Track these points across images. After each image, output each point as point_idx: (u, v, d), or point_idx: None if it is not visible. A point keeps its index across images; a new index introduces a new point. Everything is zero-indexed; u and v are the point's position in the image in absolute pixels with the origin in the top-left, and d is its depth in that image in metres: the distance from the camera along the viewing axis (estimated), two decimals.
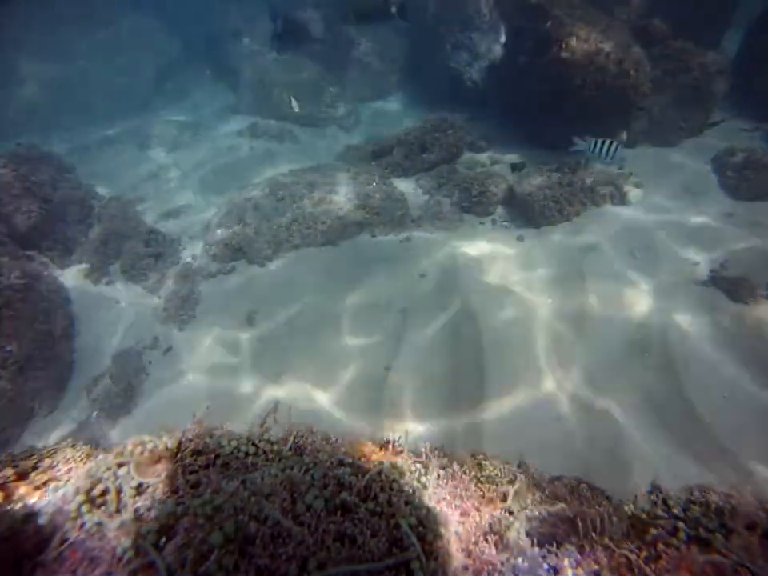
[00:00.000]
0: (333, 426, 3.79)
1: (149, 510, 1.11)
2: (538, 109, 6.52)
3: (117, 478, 1.18)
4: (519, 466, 1.89)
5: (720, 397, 3.74)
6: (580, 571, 1.22)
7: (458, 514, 1.37)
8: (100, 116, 9.95)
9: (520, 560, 1.23)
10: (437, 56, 8.48)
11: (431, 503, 1.10)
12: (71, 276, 5.56)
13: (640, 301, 4.58)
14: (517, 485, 1.53)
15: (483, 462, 1.65)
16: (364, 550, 0.95)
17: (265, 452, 1.32)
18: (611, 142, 4.82)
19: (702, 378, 3.88)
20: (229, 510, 0.99)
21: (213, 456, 1.27)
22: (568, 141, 5.21)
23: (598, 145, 4.86)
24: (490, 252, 5.32)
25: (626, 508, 1.34)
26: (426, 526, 1.02)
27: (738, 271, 4.55)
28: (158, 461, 1.23)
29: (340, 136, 8.53)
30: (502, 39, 7.77)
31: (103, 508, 1.15)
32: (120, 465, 1.21)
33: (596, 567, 1.21)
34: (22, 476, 1.32)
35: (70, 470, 1.39)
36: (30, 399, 4.30)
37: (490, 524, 1.34)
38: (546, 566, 1.25)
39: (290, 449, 1.35)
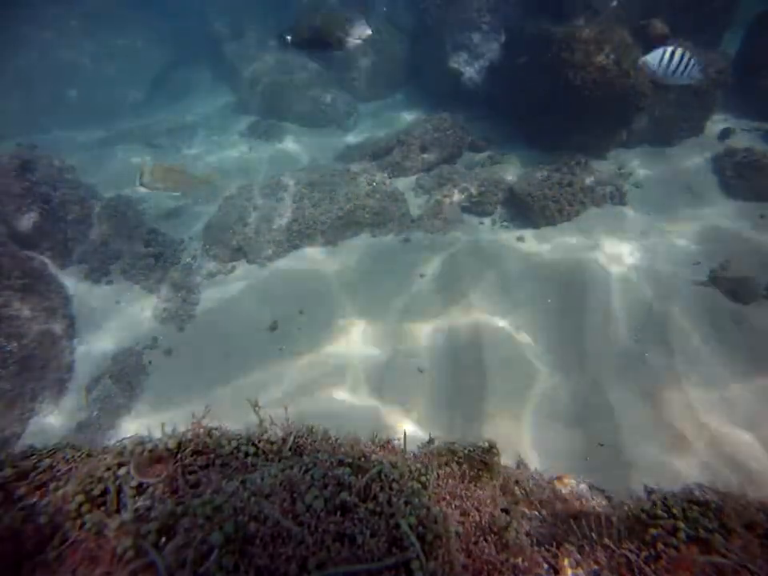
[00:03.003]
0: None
1: (149, 509, 1.11)
2: (538, 108, 6.53)
3: (117, 478, 1.18)
4: (518, 467, 1.89)
5: (720, 396, 3.75)
6: (580, 571, 1.22)
7: (458, 514, 1.37)
8: (101, 115, 9.95)
9: (520, 560, 1.23)
10: (437, 56, 8.47)
11: (431, 503, 1.10)
12: (71, 276, 5.56)
13: (639, 301, 4.58)
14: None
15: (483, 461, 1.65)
16: (364, 549, 0.95)
17: (265, 452, 1.32)
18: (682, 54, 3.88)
19: (701, 377, 3.89)
20: (229, 510, 0.99)
21: (213, 456, 1.27)
22: (568, 141, 5.07)
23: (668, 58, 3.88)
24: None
25: (626, 508, 1.34)
26: (426, 526, 1.02)
27: (738, 271, 4.55)
28: (158, 461, 1.23)
29: (340, 136, 8.53)
30: (502, 39, 7.77)
31: (103, 508, 1.15)
32: (120, 465, 1.21)
33: (596, 567, 1.21)
34: (22, 476, 1.32)
35: (69, 469, 1.39)
36: (30, 399, 4.30)
37: (490, 524, 1.34)
38: (545, 566, 1.25)
39: (290, 449, 1.35)
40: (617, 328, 4.36)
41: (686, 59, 3.89)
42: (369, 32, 4.09)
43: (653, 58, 3.97)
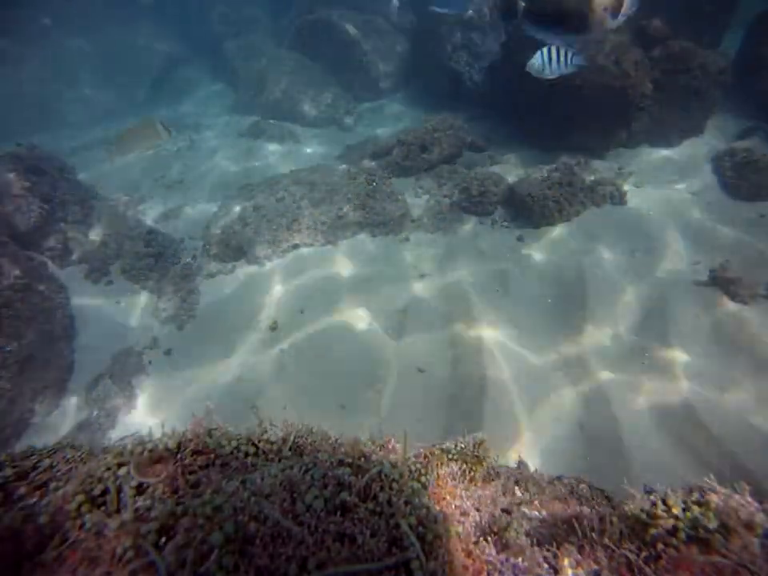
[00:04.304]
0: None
1: (149, 509, 1.11)
2: (538, 109, 6.53)
3: (117, 478, 1.18)
4: (518, 466, 1.89)
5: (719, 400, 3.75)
6: (580, 571, 1.22)
7: (458, 514, 1.37)
8: (100, 115, 9.96)
9: (520, 560, 1.23)
10: (437, 56, 8.48)
11: (431, 503, 1.10)
12: (71, 276, 5.56)
13: (639, 301, 4.58)
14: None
15: (483, 460, 1.66)
16: (364, 549, 0.95)
17: (265, 452, 1.32)
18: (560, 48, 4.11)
19: (701, 377, 3.89)
20: (229, 510, 0.99)
21: (213, 456, 1.27)
22: (568, 141, 5.03)
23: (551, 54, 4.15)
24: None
25: (626, 508, 1.34)
26: (426, 526, 1.02)
27: (738, 271, 4.55)
28: (158, 461, 1.23)
29: (340, 136, 8.53)
30: (502, 39, 7.77)
31: (103, 508, 1.15)
32: (120, 465, 1.21)
33: (596, 567, 1.21)
34: (22, 476, 1.32)
35: (69, 469, 1.39)
36: (30, 399, 4.30)
37: (490, 524, 1.34)
38: (545, 566, 1.26)
39: (290, 449, 1.36)
40: (617, 327, 4.37)
41: (563, 52, 4.13)
42: (634, 8, 3.10)
43: (536, 59, 4.24)
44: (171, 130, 4.84)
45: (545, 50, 4.15)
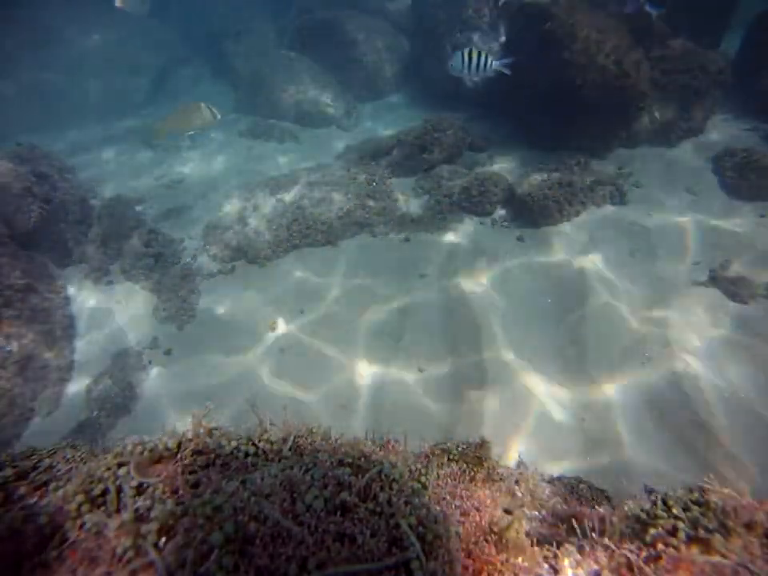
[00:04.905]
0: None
1: (149, 509, 1.11)
2: (538, 109, 6.53)
3: (117, 478, 1.18)
4: (518, 466, 1.89)
5: (720, 396, 3.75)
6: (580, 571, 1.22)
7: (458, 514, 1.37)
8: (100, 115, 9.95)
9: (520, 560, 1.23)
10: (437, 56, 8.47)
11: (431, 503, 1.10)
12: (71, 276, 5.56)
13: (639, 302, 4.58)
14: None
15: (484, 461, 1.65)
16: (364, 549, 0.95)
17: (265, 452, 1.32)
18: (480, 53, 4.46)
19: (701, 378, 3.89)
20: (229, 510, 0.99)
21: (213, 456, 1.27)
22: (568, 140, 5.12)
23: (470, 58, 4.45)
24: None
25: (626, 508, 1.34)
26: (426, 526, 1.02)
27: (738, 271, 4.55)
28: (158, 461, 1.23)
29: (340, 136, 8.52)
30: (502, 39, 7.77)
31: (103, 508, 1.15)
32: (120, 465, 1.21)
33: (596, 567, 1.21)
34: (22, 476, 1.32)
35: (69, 469, 1.39)
36: (30, 399, 4.30)
37: (490, 524, 1.34)
38: (546, 566, 1.26)
39: (290, 449, 1.35)
40: (617, 325, 4.37)
41: (482, 56, 4.49)
42: None
43: (456, 61, 4.55)
44: (217, 114, 5.06)
45: (465, 52, 4.48)
